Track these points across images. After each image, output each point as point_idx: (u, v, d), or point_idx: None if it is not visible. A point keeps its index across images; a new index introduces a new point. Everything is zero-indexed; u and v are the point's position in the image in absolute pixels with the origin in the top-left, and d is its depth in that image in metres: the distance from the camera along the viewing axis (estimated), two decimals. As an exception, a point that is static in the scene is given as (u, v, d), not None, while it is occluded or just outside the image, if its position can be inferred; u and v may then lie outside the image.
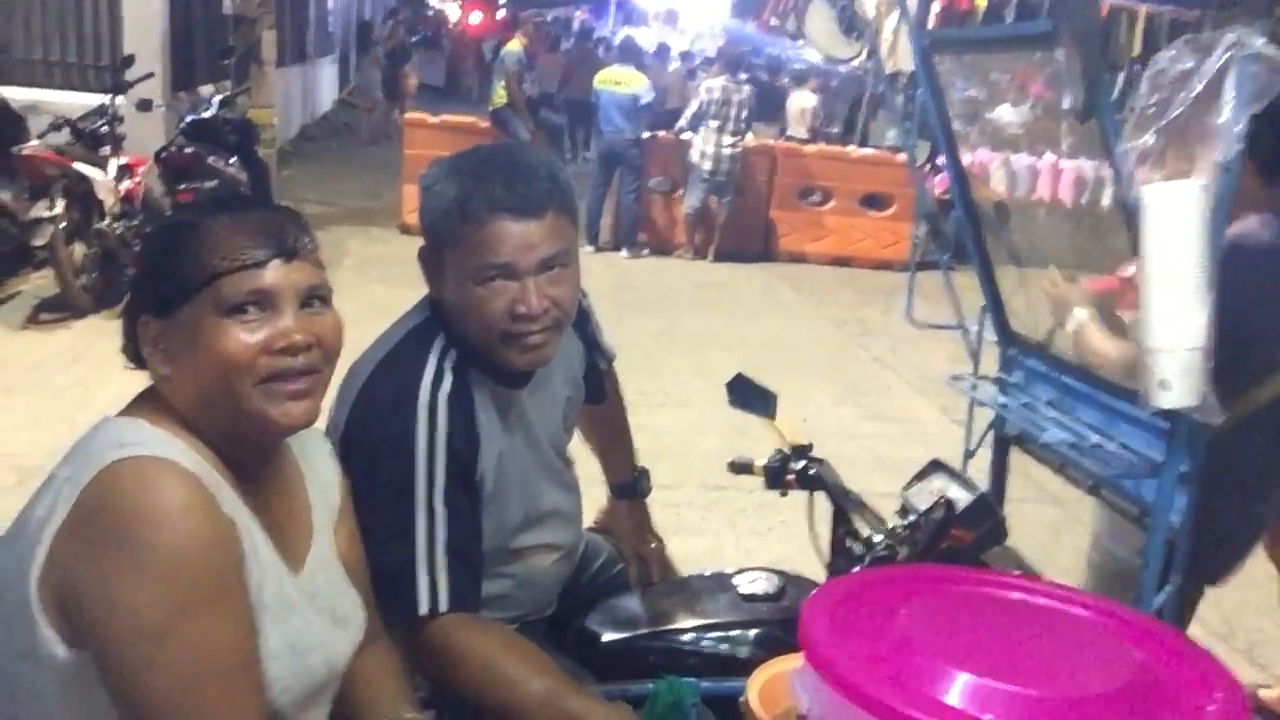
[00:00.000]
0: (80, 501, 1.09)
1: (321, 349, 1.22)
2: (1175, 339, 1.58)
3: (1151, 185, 1.58)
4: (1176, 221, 1.57)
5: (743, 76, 9.83)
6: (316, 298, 1.23)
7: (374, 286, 6.97)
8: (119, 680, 1.09)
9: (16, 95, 7.37)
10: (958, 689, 0.89)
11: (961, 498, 1.69)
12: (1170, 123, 1.58)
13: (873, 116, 12.54)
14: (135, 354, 1.24)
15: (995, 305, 2.19)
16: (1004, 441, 2.22)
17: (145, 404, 1.22)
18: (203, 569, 1.09)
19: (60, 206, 6.17)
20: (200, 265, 1.17)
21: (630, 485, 2.16)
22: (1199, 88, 1.55)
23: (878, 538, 1.74)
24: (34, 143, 6.62)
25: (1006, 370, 2.20)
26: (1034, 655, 0.97)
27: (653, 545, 2.13)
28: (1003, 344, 2.19)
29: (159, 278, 1.20)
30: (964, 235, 2.21)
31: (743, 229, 9.78)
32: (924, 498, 1.74)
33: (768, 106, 11.57)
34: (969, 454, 2.25)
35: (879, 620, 0.99)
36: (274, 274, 1.19)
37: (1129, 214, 1.62)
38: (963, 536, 1.66)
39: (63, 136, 6.96)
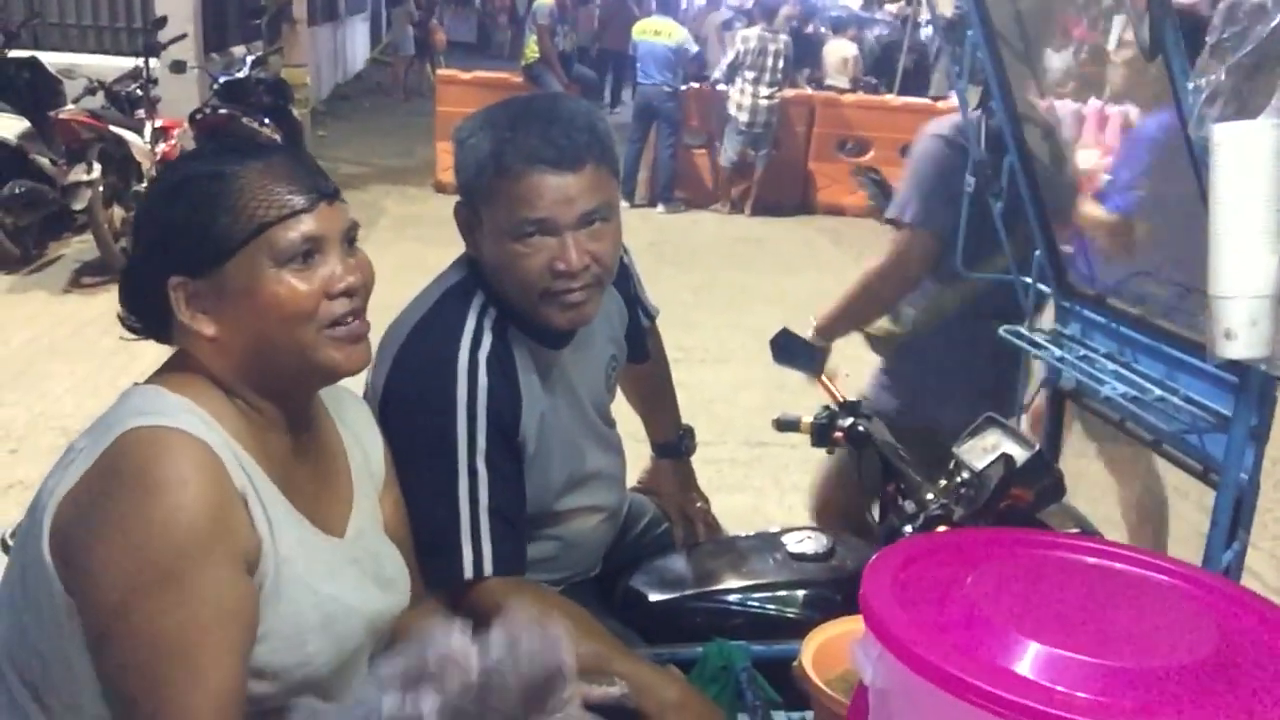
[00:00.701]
0: (95, 464, 1.08)
1: (365, 289, 1.21)
2: (1242, 285, 1.50)
3: (1222, 123, 1.49)
4: (1247, 161, 1.48)
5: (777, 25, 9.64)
6: (352, 237, 1.22)
7: (410, 245, 6.95)
8: (89, 645, 1.07)
9: (51, 59, 7.39)
10: (1033, 660, 0.84)
11: (1019, 454, 1.63)
12: (1245, 57, 1.49)
13: (934, 64, 12.20)
14: (153, 322, 1.20)
15: (1051, 254, 2.10)
16: (1059, 396, 2.14)
17: (169, 370, 1.19)
18: (181, 543, 1.03)
19: (98, 170, 6.20)
20: (244, 218, 1.13)
21: (674, 444, 2.13)
22: (1276, 19, 1.45)
23: (931, 496, 1.69)
24: (70, 107, 6.66)
25: (1062, 322, 2.11)
26: (1112, 623, 0.92)
27: (698, 504, 2.10)
28: (1058, 295, 2.10)
29: (195, 235, 1.14)
30: (1018, 182, 2.12)
31: (780, 182, 9.64)
32: (978, 454, 1.68)
33: (798, 55, 11.33)
34: (1022, 409, 2.17)
35: (945, 587, 0.94)
36: (321, 218, 1.16)
37: (1195, 154, 1.54)
38: (1021, 494, 1.60)
39: (98, 100, 7.00)
